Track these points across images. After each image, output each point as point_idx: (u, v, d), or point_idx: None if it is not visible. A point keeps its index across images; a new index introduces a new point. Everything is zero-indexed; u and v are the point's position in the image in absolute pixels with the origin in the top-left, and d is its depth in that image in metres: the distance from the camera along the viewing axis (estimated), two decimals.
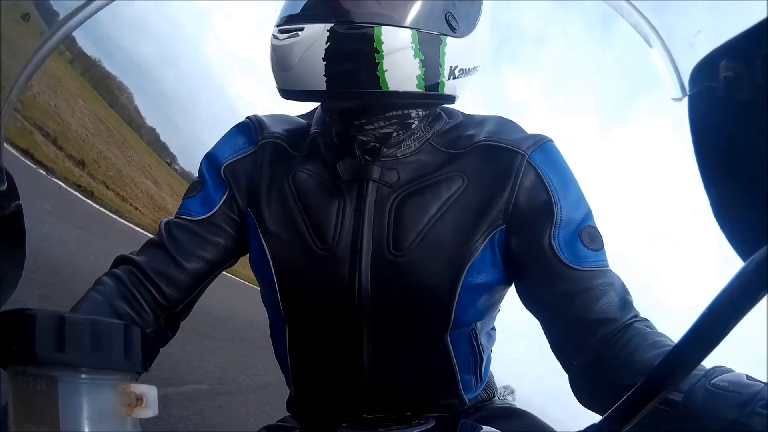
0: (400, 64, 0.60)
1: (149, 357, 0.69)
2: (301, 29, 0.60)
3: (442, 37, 0.63)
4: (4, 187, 0.46)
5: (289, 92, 0.64)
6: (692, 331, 0.34)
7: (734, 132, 0.33)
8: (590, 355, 0.61)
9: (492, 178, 0.67)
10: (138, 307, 0.69)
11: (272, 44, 0.63)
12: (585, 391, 0.63)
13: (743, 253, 0.35)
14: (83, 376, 0.31)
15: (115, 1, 0.47)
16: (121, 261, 0.72)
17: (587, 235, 0.64)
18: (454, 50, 0.65)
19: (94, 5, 0.51)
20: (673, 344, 0.55)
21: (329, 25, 0.60)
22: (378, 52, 0.59)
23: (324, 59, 0.59)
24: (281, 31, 0.62)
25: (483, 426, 0.57)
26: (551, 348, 0.67)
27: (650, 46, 0.44)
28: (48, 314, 0.30)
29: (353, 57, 0.60)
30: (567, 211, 0.65)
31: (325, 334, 0.73)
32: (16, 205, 0.48)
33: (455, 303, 0.66)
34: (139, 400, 0.34)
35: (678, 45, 0.37)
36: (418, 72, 0.62)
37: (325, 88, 0.60)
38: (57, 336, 0.30)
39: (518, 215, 0.66)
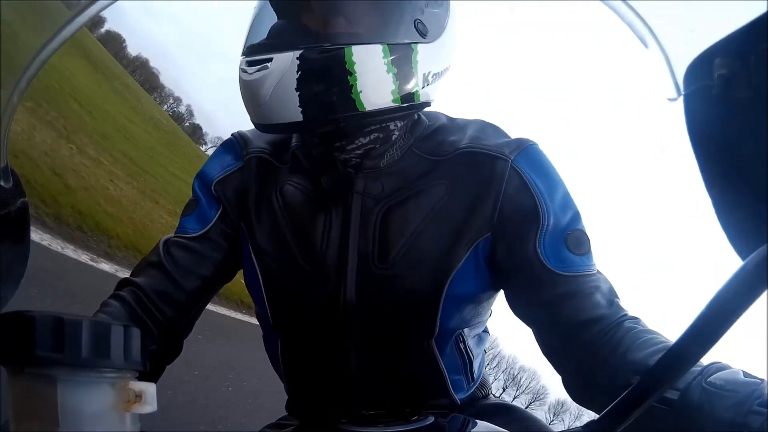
0: (374, 82, 0.60)
1: (155, 375, 0.71)
2: (269, 60, 0.59)
3: (413, 45, 0.62)
4: (10, 184, 0.47)
5: (265, 126, 0.64)
6: (691, 328, 0.34)
7: (731, 130, 0.33)
8: (581, 357, 0.60)
9: (475, 186, 0.66)
10: (144, 327, 0.69)
11: (241, 78, 0.62)
12: (581, 392, 0.63)
13: (743, 252, 0.35)
14: (82, 375, 0.32)
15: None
16: (124, 284, 0.73)
17: (573, 240, 0.63)
18: (426, 56, 0.64)
19: (97, 5, 0.50)
20: (667, 341, 0.55)
21: (298, 53, 0.58)
22: (351, 74, 0.58)
23: (297, 89, 0.58)
24: (249, 64, 0.61)
25: (477, 420, 0.57)
26: (543, 352, 0.66)
27: (646, 46, 0.44)
28: (47, 315, 0.30)
29: (326, 83, 0.59)
30: (553, 216, 0.64)
31: (314, 344, 0.74)
32: (22, 203, 0.49)
33: (439, 313, 0.66)
34: (138, 396, 0.34)
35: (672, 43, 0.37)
36: (393, 87, 0.61)
37: (302, 119, 0.60)
38: (56, 337, 0.30)
39: (503, 223, 0.65)
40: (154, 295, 0.71)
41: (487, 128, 0.72)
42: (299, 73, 0.58)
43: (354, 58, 0.58)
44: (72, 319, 0.30)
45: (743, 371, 0.45)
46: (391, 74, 0.61)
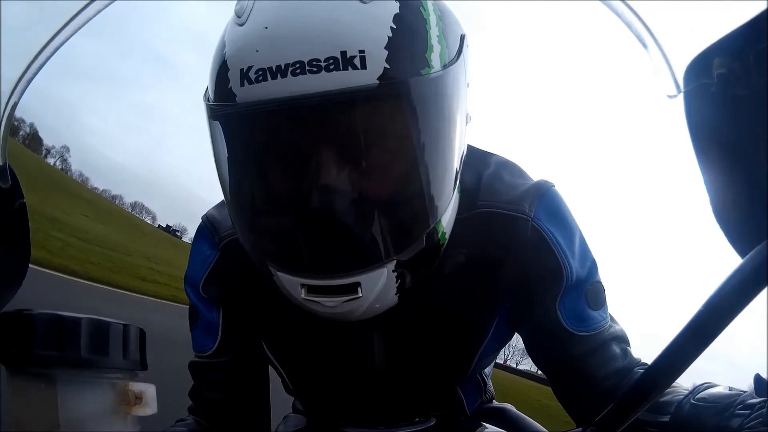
0: (448, 228, 0.56)
1: None
2: (357, 285, 0.49)
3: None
4: (8, 184, 0.46)
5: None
6: (690, 325, 0.34)
7: (730, 128, 0.34)
8: (596, 407, 0.57)
9: (496, 252, 0.62)
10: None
11: (311, 308, 0.52)
12: None
13: (741, 249, 0.35)
14: (82, 375, 0.31)
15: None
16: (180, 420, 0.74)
17: (592, 295, 0.62)
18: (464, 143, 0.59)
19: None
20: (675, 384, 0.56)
21: (393, 264, 0.49)
22: (441, 245, 0.55)
23: (397, 293, 0.52)
24: (317, 290, 0.50)
25: (480, 422, 0.57)
26: (558, 398, 0.66)
27: (645, 47, 0.44)
28: (47, 315, 0.30)
29: (422, 270, 0.54)
30: (575, 272, 0.61)
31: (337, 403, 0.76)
32: (20, 204, 0.48)
33: (471, 369, 0.71)
34: (138, 398, 0.34)
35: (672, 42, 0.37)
36: (453, 215, 0.58)
37: (396, 302, 0.54)
38: (56, 336, 0.30)
39: (525, 285, 0.63)
40: (210, 409, 0.73)
41: (502, 170, 0.66)
42: (399, 281, 0.51)
43: (444, 228, 0.54)
44: (71, 317, 0.30)
45: (729, 387, 0.49)
46: (455, 204, 0.57)
